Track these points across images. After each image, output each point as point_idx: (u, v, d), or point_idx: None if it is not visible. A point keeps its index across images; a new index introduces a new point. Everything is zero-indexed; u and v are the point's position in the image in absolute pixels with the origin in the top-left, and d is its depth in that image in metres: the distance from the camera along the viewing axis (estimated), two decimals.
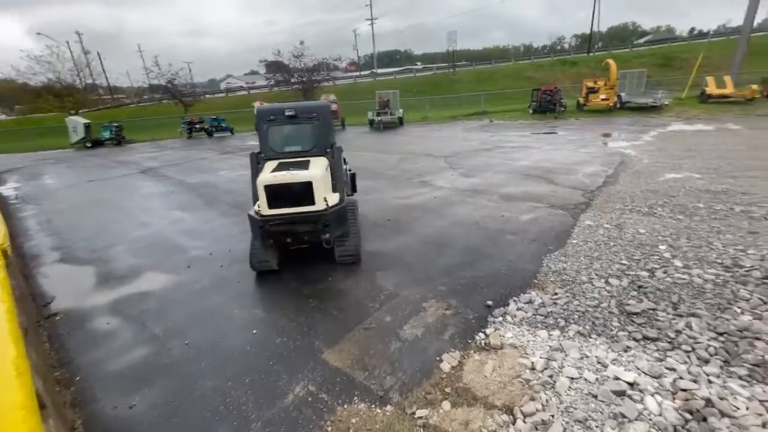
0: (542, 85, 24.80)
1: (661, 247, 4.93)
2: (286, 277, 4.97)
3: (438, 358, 3.23)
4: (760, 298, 3.51)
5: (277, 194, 4.52)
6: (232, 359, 3.45)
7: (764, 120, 14.85)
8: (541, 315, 3.68)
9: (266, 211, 4.57)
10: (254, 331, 3.84)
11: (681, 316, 3.39)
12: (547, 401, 2.60)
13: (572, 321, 3.52)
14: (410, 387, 2.96)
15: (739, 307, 3.42)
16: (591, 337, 3.27)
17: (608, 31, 78.55)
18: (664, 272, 4.24)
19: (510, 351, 3.22)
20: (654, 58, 36.46)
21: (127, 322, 4.20)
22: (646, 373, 2.71)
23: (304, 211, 4.60)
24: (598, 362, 2.90)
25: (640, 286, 3.99)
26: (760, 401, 2.38)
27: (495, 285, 4.38)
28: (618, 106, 20.13)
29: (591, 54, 45.07)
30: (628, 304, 3.65)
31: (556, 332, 3.38)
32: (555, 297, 3.97)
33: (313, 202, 4.56)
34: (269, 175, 4.60)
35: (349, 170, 6.44)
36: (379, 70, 60.35)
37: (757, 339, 2.95)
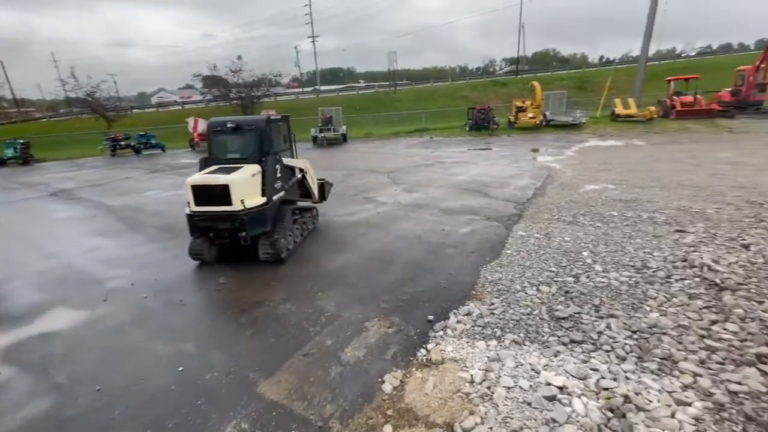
0: (477, 104, 26.41)
1: (584, 253, 5.35)
2: (222, 305, 4.65)
3: (380, 380, 3.16)
4: (664, 296, 3.91)
5: (201, 194, 5.30)
6: (153, 403, 3.09)
7: (660, 136, 17.07)
8: (480, 326, 3.77)
9: (193, 208, 5.38)
10: (180, 369, 3.48)
11: (602, 317, 3.67)
12: (485, 414, 2.63)
13: (508, 330, 3.64)
14: (351, 413, 2.85)
15: (649, 306, 3.78)
16: (525, 344, 3.40)
17: (533, 56, 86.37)
18: (587, 277, 4.58)
19: (450, 365, 3.24)
20: (571, 81, 40.61)
21: (24, 371, 3.61)
22: (573, 376, 2.87)
23: (222, 211, 5.26)
24: (532, 369, 3.02)
25: (566, 292, 4.27)
26: (669, 392, 2.61)
27: (436, 299, 4.43)
28: (544, 123, 21.98)
29: (519, 76, 49.08)
30: (556, 310, 3.87)
31: (494, 342, 3.48)
32: (492, 307, 4.11)
33: (230, 203, 5.19)
34: (195, 176, 5.40)
35: (322, 180, 7.62)
36: (322, 87, 60.49)
37: (664, 334, 3.27)
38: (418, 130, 25.38)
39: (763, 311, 3.47)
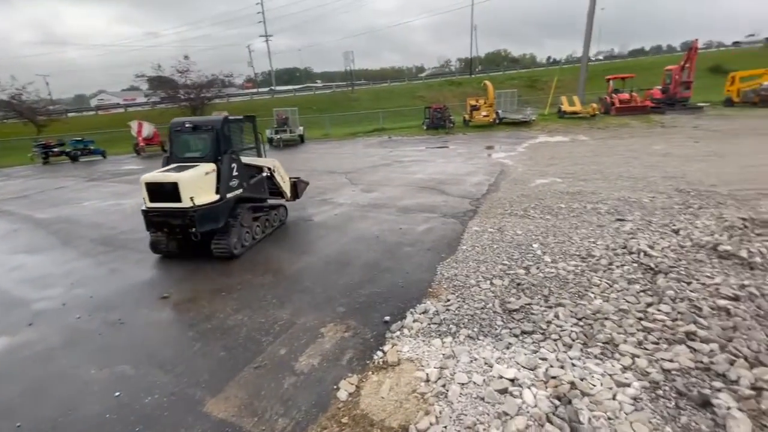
0: (433, 103, 26.88)
1: (534, 245, 5.55)
2: (167, 321, 4.34)
3: (335, 387, 3.06)
4: (607, 282, 4.13)
5: (154, 191, 5.57)
6: None
7: (603, 131, 18.23)
8: (435, 323, 3.78)
9: (148, 204, 5.64)
10: (117, 394, 3.19)
11: (551, 307, 3.80)
12: (440, 413, 2.61)
13: (463, 325, 3.68)
14: (305, 425, 2.73)
15: (593, 293, 3.97)
16: (479, 339, 3.44)
17: (486, 56, 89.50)
18: (537, 268, 4.75)
19: (407, 366, 3.20)
20: (522, 81, 42.48)
21: None
22: (524, 367, 2.93)
23: (173, 207, 5.49)
24: (485, 363, 3.05)
25: (518, 284, 4.39)
26: (610, 375, 2.73)
27: (393, 299, 4.40)
28: (497, 121, 22.78)
29: (473, 75, 50.61)
30: (509, 302, 3.96)
31: (449, 339, 3.49)
32: (447, 303, 4.14)
33: (180, 200, 5.41)
34: (150, 173, 5.66)
35: (296, 178, 7.97)
36: (279, 87, 58.99)
37: (606, 319, 3.44)
38: (377, 130, 25.42)
39: (691, 291, 3.74)
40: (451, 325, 3.71)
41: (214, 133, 5.94)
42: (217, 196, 5.78)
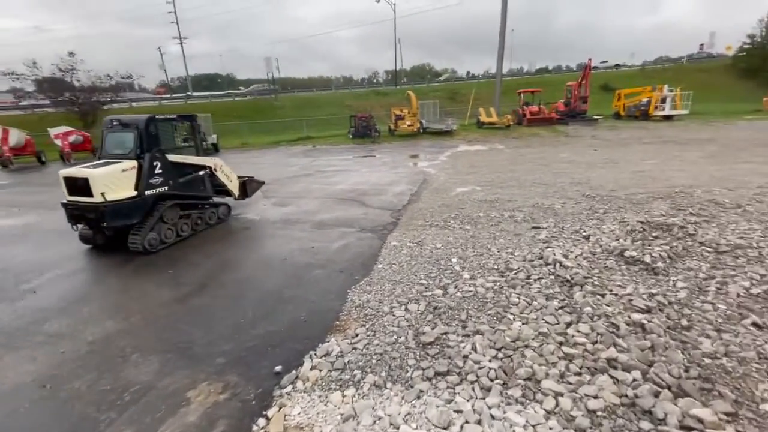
0: (359, 112, 26.59)
1: (453, 260, 5.18)
2: None
3: None
4: (525, 300, 3.82)
5: (70, 185, 5.79)
6: None
7: (517, 140, 19.37)
8: (338, 369, 3.10)
9: (67, 198, 5.91)
10: None
11: (468, 335, 3.35)
12: None
13: (369, 369, 3.05)
14: None
15: (512, 314, 3.61)
16: (386, 387, 2.83)
17: (412, 69, 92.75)
18: (455, 287, 4.33)
19: None
20: (444, 93, 44.36)
21: None
22: (435, 425, 2.37)
23: (86, 202, 5.71)
24: (391, 424, 2.44)
25: (435, 308, 3.90)
26: (533, 426, 2.29)
27: (291, 339, 3.63)
28: (421, 131, 23.15)
29: (398, 87, 51.79)
30: (423, 333, 3.44)
31: (351, 391, 2.83)
32: (355, 340, 3.49)
33: (91, 195, 5.61)
34: (65, 168, 6.02)
35: (245, 178, 8.15)
36: (195, 93, 54.52)
37: (526, 347, 3.06)
38: (301, 139, 24.35)
39: (606, 305, 3.56)
40: (355, 371, 3.05)
41: (137, 131, 6.07)
42: (135, 193, 5.95)
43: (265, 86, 49.14)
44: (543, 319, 3.44)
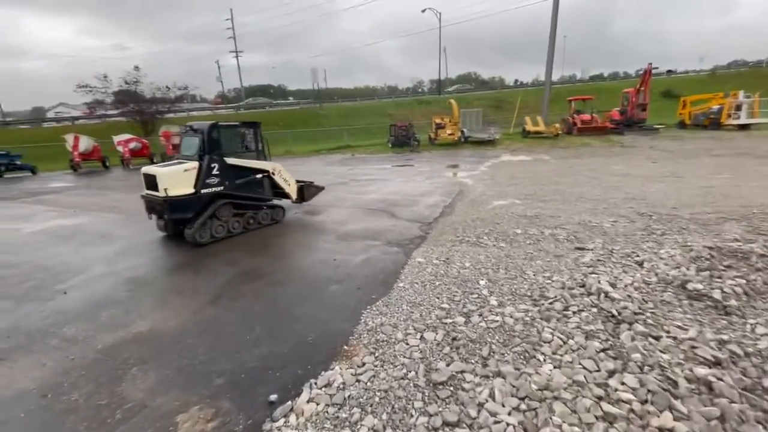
0: (399, 120, 26.46)
1: (481, 282, 4.70)
2: None
3: None
4: (560, 338, 3.28)
5: (146, 180, 6.64)
6: None
7: (565, 151, 18.18)
8: (336, 404, 2.78)
9: (144, 191, 6.77)
10: None
11: (488, 377, 2.89)
12: None
13: (369, 409, 2.69)
14: None
15: (543, 354, 3.10)
16: None
17: (457, 78, 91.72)
18: (480, 315, 3.87)
19: None
20: (489, 101, 43.19)
21: None
22: None
23: (153, 195, 6.54)
24: None
25: (454, 338, 3.48)
26: None
27: (293, 363, 3.37)
28: (462, 140, 22.53)
29: (442, 95, 51.24)
30: (436, 370, 3.03)
31: None
32: (360, 370, 3.16)
33: (157, 190, 6.38)
34: (149, 166, 6.87)
35: (303, 182, 8.78)
36: (251, 101, 57.48)
37: (556, 399, 2.55)
38: (341, 147, 24.61)
39: (661, 351, 2.94)
40: (354, 408, 2.71)
41: (201, 136, 6.77)
42: (193, 190, 6.60)
43: (257, 99, 52.26)
44: (580, 364, 2.90)
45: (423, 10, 46.53)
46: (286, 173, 8.05)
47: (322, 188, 9.21)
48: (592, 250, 5.63)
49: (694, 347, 2.96)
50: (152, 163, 20.58)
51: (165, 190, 6.32)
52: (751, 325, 3.38)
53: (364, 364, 3.25)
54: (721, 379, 2.55)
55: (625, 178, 10.99)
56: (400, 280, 5.00)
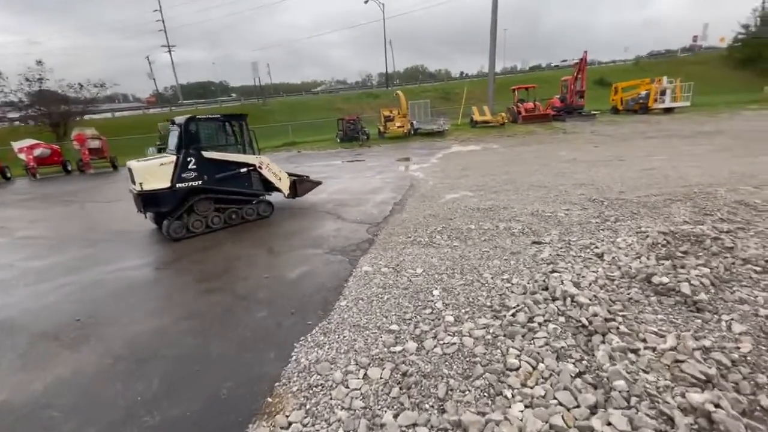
0: (347, 114, 25.55)
1: (434, 292, 4.10)
2: None
3: None
4: (528, 362, 2.73)
5: (130, 176, 6.71)
6: None
7: (512, 139, 18.35)
8: None
9: (129, 186, 6.96)
10: None
11: (446, 431, 2.25)
12: None
13: None
14: None
15: (510, 387, 2.53)
16: None
17: (405, 72, 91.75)
18: (434, 337, 3.25)
19: None
20: (436, 93, 43.45)
21: None
22: None
23: (132, 189, 6.71)
24: None
25: (404, 374, 2.82)
26: None
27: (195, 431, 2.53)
28: (412, 132, 22.12)
29: (389, 88, 50.81)
30: (381, 426, 2.35)
31: None
32: None
33: (135, 184, 6.49)
34: (130, 160, 6.92)
35: (296, 176, 8.43)
36: (186, 102, 53.42)
37: None
38: (286, 144, 23.27)
39: (644, 372, 2.48)
40: None
41: (179, 131, 6.69)
42: (169, 185, 6.52)
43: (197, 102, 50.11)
44: (555, 398, 2.36)
45: (366, 1, 45.65)
46: (275, 167, 7.75)
47: (319, 183, 8.88)
48: (549, 243, 5.26)
49: (678, 361, 2.53)
50: (66, 171, 18.08)
51: (140, 184, 6.33)
52: (726, 322, 3.06)
53: (290, 424, 2.50)
54: (718, 406, 2.10)
55: (572, 163, 11.04)
56: (343, 296, 4.27)
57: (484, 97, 29.67)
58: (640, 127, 18.39)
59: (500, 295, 3.87)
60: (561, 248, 4.99)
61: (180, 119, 6.83)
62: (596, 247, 4.85)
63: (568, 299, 3.50)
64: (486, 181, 9.64)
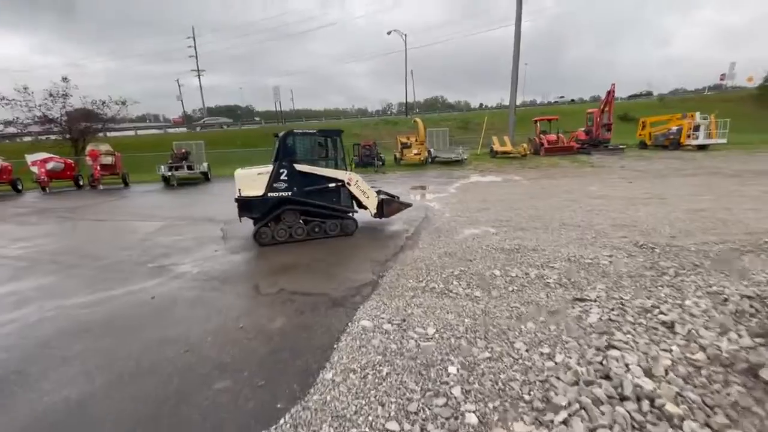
0: (362, 140, 25.16)
1: (450, 369, 3.06)
2: None
3: None
4: None
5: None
6: None
7: (535, 171, 17.34)
8: None
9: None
10: None
11: None
12: None
13: None
14: None
15: None
16: None
17: (424, 102, 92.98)
18: None
19: None
20: (455, 122, 43.11)
21: None
22: None
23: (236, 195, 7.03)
24: None
25: None
26: None
27: None
28: (429, 160, 21.40)
29: (408, 116, 50.99)
30: None
31: None
32: None
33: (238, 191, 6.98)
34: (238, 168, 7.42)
35: (386, 196, 8.26)
36: (210, 120, 54.79)
37: None
38: None
39: None
40: None
41: (276, 143, 7.05)
42: (261, 193, 6.90)
43: (217, 119, 51.00)
44: None
45: (389, 32, 46.65)
46: (364, 184, 7.76)
47: (409, 205, 8.59)
48: (595, 301, 4.19)
49: None
50: (78, 186, 17.92)
51: (239, 190, 6.88)
52: None
53: None
54: None
55: (605, 200, 9.94)
56: (330, 364, 3.27)
57: (504, 127, 28.96)
58: (674, 163, 17.16)
59: (541, 381, 2.81)
60: (613, 310, 3.92)
61: (281, 133, 7.14)
62: (662, 313, 3.76)
63: (645, 401, 2.43)
64: (510, 215, 8.62)
